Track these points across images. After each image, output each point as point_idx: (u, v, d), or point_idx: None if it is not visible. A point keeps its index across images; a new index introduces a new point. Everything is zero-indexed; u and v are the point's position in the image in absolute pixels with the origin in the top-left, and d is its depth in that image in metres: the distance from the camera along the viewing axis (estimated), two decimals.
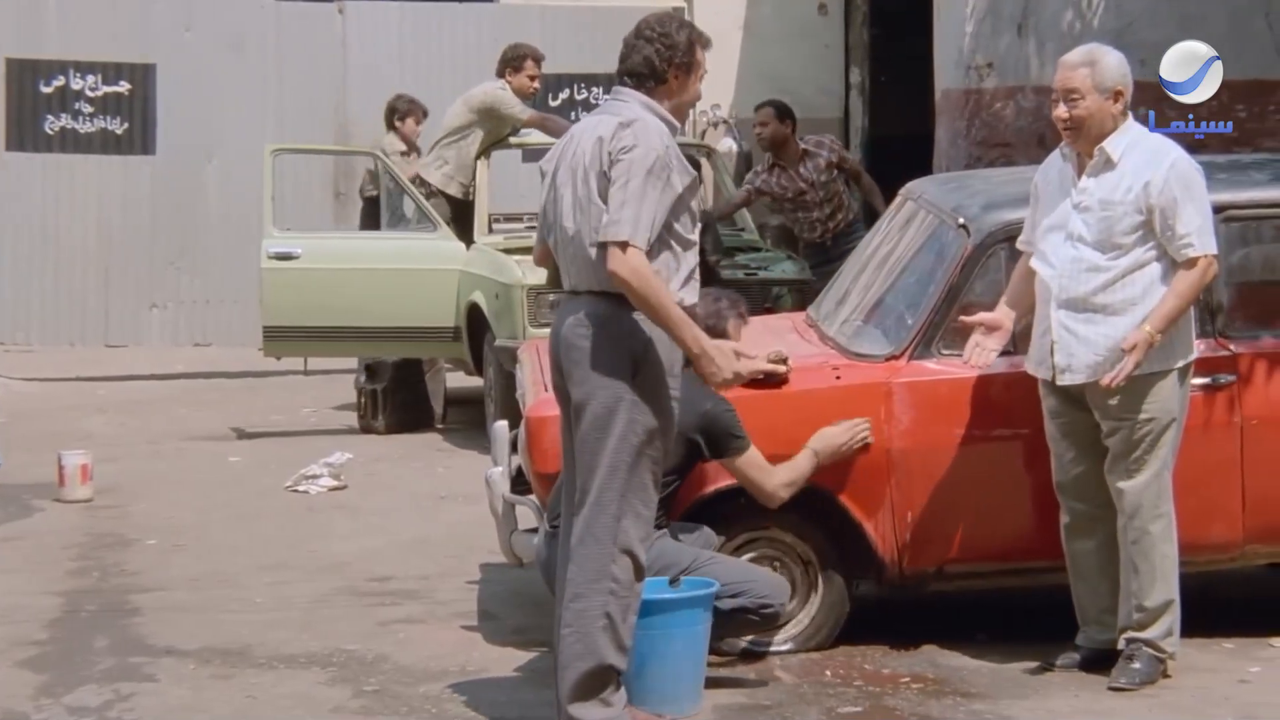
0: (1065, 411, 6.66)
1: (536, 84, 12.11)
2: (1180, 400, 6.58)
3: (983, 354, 6.69)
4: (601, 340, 5.88)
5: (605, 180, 5.85)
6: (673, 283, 5.90)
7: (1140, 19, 11.28)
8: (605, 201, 5.83)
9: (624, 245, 5.75)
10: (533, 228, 11.84)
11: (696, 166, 11.64)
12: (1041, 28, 11.81)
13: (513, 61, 12.07)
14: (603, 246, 5.80)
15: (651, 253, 5.82)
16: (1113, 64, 6.56)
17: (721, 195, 12.91)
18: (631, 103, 5.99)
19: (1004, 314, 6.73)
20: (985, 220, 7.05)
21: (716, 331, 6.56)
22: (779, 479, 6.72)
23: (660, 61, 5.98)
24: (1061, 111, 6.55)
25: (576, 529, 5.95)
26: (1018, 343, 6.80)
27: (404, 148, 13.17)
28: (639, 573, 5.96)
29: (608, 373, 5.86)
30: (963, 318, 6.79)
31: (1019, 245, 6.81)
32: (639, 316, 5.86)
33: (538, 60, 12.09)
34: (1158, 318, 6.43)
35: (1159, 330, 6.42)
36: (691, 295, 5.99)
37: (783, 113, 11.81)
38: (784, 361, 6.94)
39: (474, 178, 11.75)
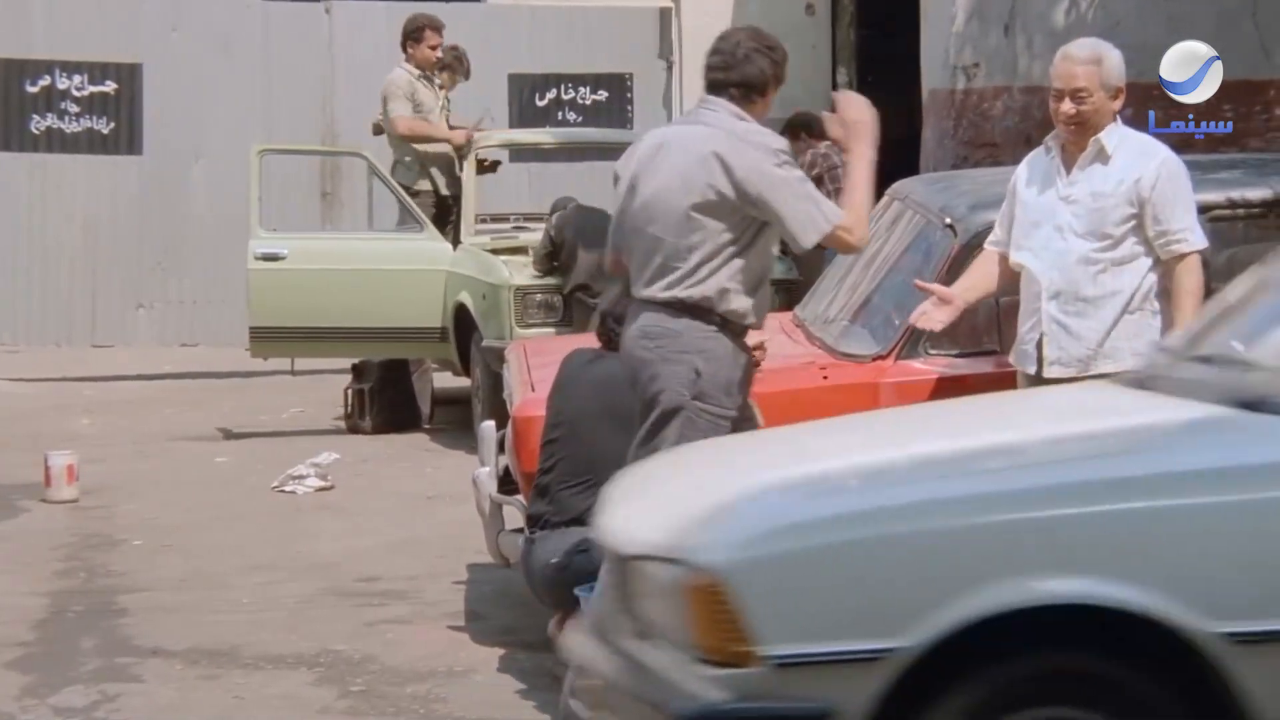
0: None
1: (439, 53, 11.94)
2: None
3: (929, 321, 6.60)
4: (665, 354, 5.81)
5: (723, 199, 5.76)
6: (741, 293, 5.84)
7: (1128, 19, 11.27)
8: (716, 219, 5.76)
9: (836, 228, 5.76)
10: (520, 227, 11.95)
11: None
12: (1029, 27, 11.80)
13: (412, 34, 11.90)
14: (825, 241, 5.81)
15: (740, 256, 5.82)
16: (1116, 62, 6.52)
17: None
18: (722, 113, 5.89)
19: (960, 291, 6.64)
20: (972, 220, 7.05)
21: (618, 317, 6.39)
22: None
23: (769, 76, 5.92)
24: (1069, 108, 6.47)
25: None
26: (1003, 341, 6.78)
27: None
28: None
29: (669, 385, 5.79)
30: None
31: (987, 245, 6.69)
32: (701, 331, 5.80)
33: (437, 29, 11.86)
34: (1188, 318, 6.31)
35: None
36: (753, 309, 5.90)
37: (787, 128, 12.20)
38: (760, 346, 6.93)
39: (453, 166, 11.72)
